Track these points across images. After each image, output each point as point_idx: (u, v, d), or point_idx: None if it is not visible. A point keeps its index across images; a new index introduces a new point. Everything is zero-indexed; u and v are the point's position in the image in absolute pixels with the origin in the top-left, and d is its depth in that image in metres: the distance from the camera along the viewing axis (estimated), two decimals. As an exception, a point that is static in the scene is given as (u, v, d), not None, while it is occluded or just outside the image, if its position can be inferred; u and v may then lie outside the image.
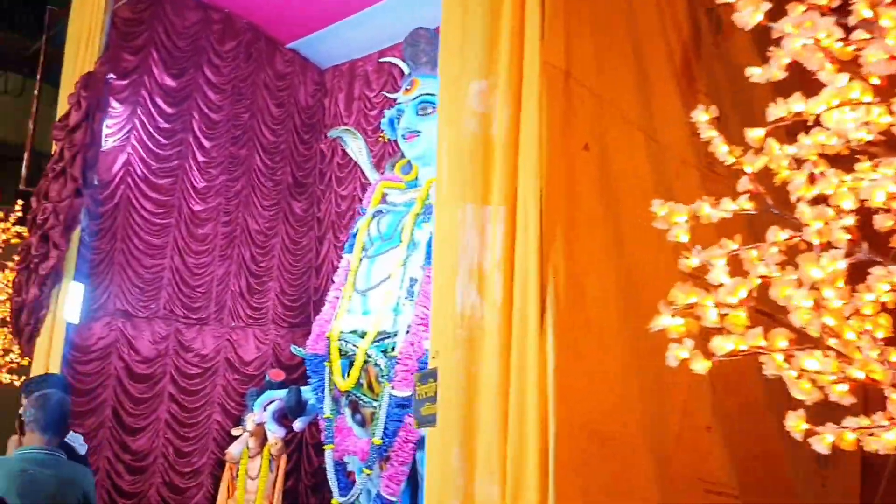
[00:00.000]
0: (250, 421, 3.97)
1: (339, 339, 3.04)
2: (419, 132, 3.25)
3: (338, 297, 3.25)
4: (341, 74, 5.29)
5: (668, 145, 2.00)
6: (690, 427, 1.74)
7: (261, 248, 4.83)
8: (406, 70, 3.61)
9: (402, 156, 3.67)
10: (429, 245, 2.93)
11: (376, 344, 2.91)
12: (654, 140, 2.00)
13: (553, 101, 1.78)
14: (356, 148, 3.75)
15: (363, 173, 4.80)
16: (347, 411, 3.07)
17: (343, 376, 2.98)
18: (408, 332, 2.82)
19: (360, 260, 3.19)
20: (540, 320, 1.60)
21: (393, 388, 2.78)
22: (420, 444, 2.70)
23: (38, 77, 4.64)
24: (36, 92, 4.76)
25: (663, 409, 1.72)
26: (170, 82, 4.40)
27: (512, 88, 1.86)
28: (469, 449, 1.64)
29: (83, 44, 3.77)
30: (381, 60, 3.86)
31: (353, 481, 2.98)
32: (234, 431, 4.14)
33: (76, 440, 2.37)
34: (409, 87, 3.37)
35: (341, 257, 4.89)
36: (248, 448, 4.01)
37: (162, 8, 4.36)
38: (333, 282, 3.42)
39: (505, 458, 1.59)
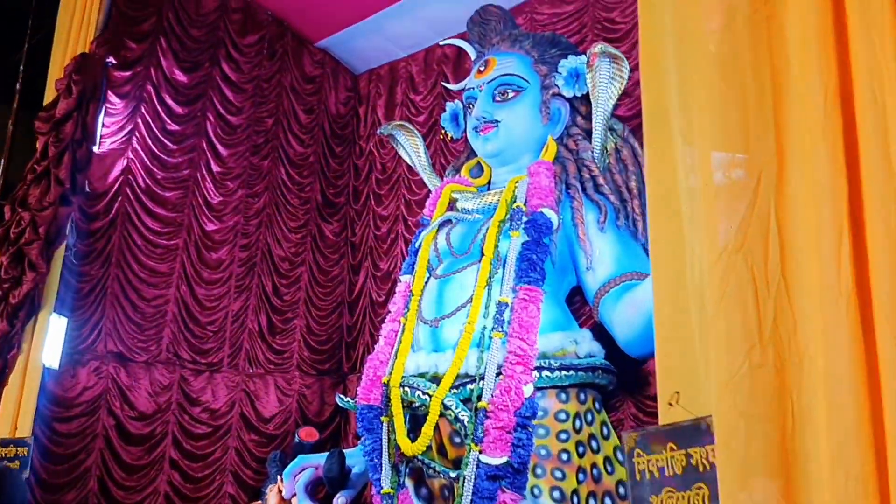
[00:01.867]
0: (273, 495, 3.24)
1: (402, 386, 2.36)
2: (497, 122, 2.65)
3: (395, 332, 2.59)
4: (379, 78, 4.76)
5: None
6: None
7: (285, 277, 4.20)
8: (473, 54, 3.05)
9: (469, 157, 3.08)
10: (521, 259, 2.30)
11: (455, 391, 2.23)
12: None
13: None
14: (412, 147, 3.14)
15: (409, 185, 4.25)
16: (409, 483, 2.38)
17: (408, 435, 2.31)
18: (499, 374, 2.16)
19: (426, 282, 2.55)
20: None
21: (482, 451, 2.10)
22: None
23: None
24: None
25: None
26: (181, 77, 3.85)
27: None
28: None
29: (76, 25, 3.23)
30: (441, 43, 3.28)
31: (421, 583, 2.28)
32: (252, 507, 3.44)
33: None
34: (482, 69, 2.78)
35: (380, 289, 4.35)
36: (269, 530, 3.31)
37: (173, -10, 3.84)
38: (388, 311, 2.76)
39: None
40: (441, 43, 3.26)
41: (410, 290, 2.58)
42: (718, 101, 1.22)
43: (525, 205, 2.43)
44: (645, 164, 1.35)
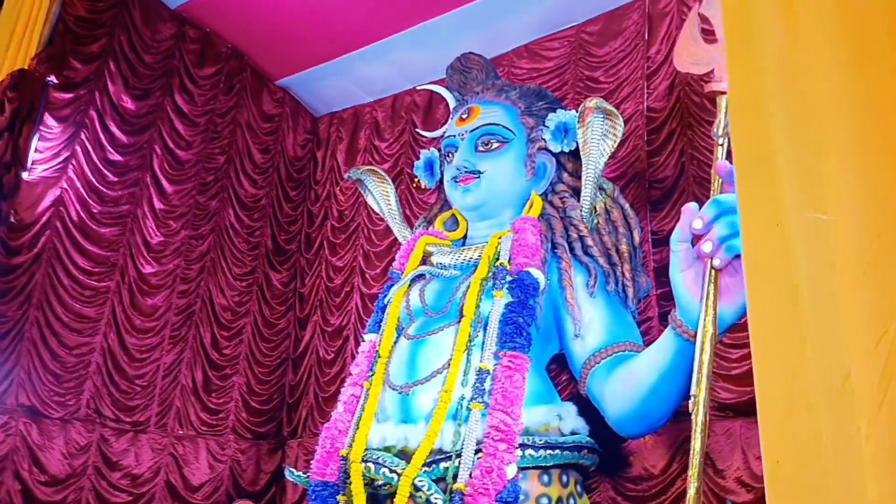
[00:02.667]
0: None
1: (365, 461, 2.12)
2: (479, 173, 2.51)
3: (357, 398, 2.35)
4: (341, 122, 4.63)
5: None
6: None
7: (226, 329, 3.90)
8: (452, 102, 2.94)
9: (442, 209, 2.94)
10: (504, 321, 2.12)
11: (427, 469, 2.00)
12: None
13: None
14: (382, 194, 2.96)
15: (369, 235, 4.06)
16: (367, 575, 2.12)
17: (370, 519, 2.06)
18: (478, 451, 1.95)
19: (396, 342, 2.34)
20: None
21: (458, 542, 1.87)
22: None
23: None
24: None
25: None
26: (129, 104, 3.60)
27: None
28: None
29: (17, 38, 2.98)
30: (419, 88, 3.16)
31: None
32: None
33: None
34: (465, 116, 2.66)
35: (328, 346, 4.09)
36: None
37: (128, 12, 3.61)
38: (347, 374, 2.55)
39: None
40: (418, 88, 3.13)
41: (377, 351, 2.37)
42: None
43: (510, 263, 2.27)
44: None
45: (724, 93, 1.64)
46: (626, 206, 2.46)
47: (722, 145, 1.59)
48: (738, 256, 1.39)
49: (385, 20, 3.91)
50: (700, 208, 1.43)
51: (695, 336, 1.54)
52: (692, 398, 1.40)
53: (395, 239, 3.90)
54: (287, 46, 4.22)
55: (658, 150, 2.92)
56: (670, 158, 2.85)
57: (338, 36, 4.08)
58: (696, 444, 1.33)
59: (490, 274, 2.27)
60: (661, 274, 2.57)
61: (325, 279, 4.21)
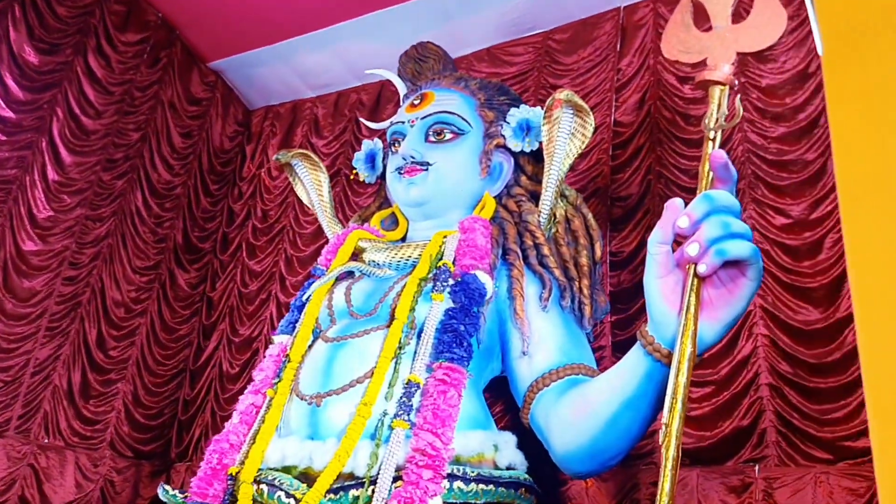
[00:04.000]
0: None
1: (258, 482, 1.79)
2: (428, 164, 2.28)
3: (257, 407, 2.02)
4: (277, 116, 4.34)
5: None
6: None
7: (117, 328, 3.47)
8: (403, 90, 2.72)
9: (381, 207, 2.69)
10: (443, 328, 1.85)
11: (333, 497, 1.68)
12: None
13: None
14: (313, 183, 2.68)
15: (294, 239, 3.74)
16: None
17: (258, 555, 1.71)
18: (398, 478, 1.65)
19: (310, 346, 2.04)
20: None
21: (367, 588, 1.55)
22: None
23: None
24: None
25: None
26: (32, 57, 3.20)
27: None
28: None
29: None
30: (368, 72, 2.92)
31: None
32: None
33: None
34: (417, 102, 2.44)
35: (234, 359, 3.71)
36: None
37: (44, -45, 3.25)
38: (248, 382, 2.22)
39: None
40: (367, 72, 2.87)
41: (286, 355, 2.06)
42: None
43: (454, 264, 2.02)
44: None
45: (718, 83, 1.48)
46: (589, 216, 2.26)
47: (713, 140, 1.42)
48: (727, 263, 1.18)
49: (334, 5, 3.67)
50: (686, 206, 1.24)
51: (668, 356, 1.35)
52: (663, 428, 1.19)
53: (324, 243, 3.63)
54: (224, 24, 3.92)
55: (623, 165, 2.75)
56: (636, 175, 2.68)
57: (281, 18, 3.81)
58: (666, 483, 1.13)
59: (430, 275, 2.02)
60: (619, 300, 2.36)
61: (238, 284, 3.86)
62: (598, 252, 2.20)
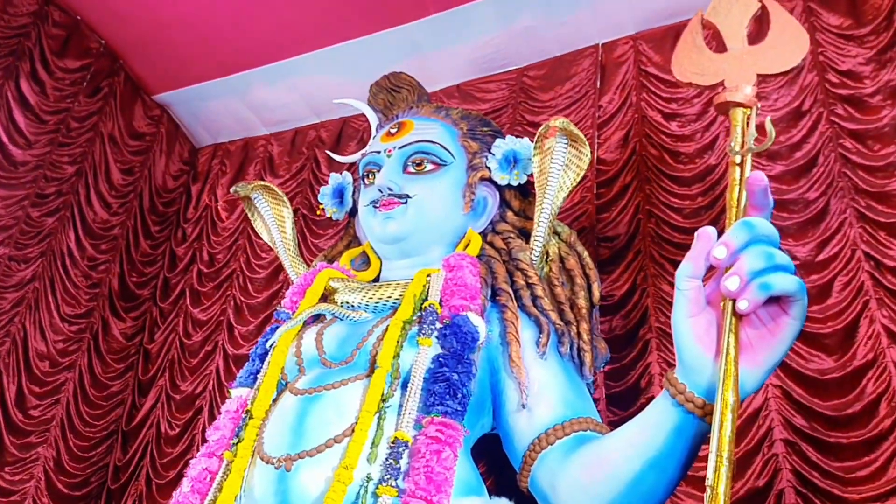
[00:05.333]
0: None
1: (215, 563, 1.53)
2: (408, 197, 2.11)
3: (212, 473, 1.77)
4: (227, 154, 4.14)
5: None
6: None
7: (40, 383, 3.13)
8: (374, 122, 2.57)
9: (350, 245, 2.50)
10: (433, 378, 1.65)
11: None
12: None
13: None
14: (275, 219, 2.49)
15: (245, 284, 3.50)
16: None
17: None
18: (383, 556, 1.42)
19: (276, 400, 1.81)
20: None
21: None
22: None
23: None
24: None
25: None
26: (-45, 79, 2.94)
27: None
28: None
29: None
30: (337, 101, 2.76)
31: None
32: None
33: None
34: (394, 131, 2.29)
35: (174, 420, 3.41)
36: None
37: (-24, -30, 3.03)
38: (204, 441, 1.96)
39: None
40: (336, 102, 2.72)
41: (247, 410, 1.82)
42: None
43: (441, 305, 1.83)
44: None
45: (740, 105, 1.38)
46: (585, 254, 2.12)
47: (740, 164, 1.30)
48: (769, 300, 1.07)
49: (293, 36, 3.53)
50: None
51: (703, 407, 1.19)
52: (709, 491, 1.03)
53: (280, 289, 3.43)
54: (172, 55, 3.75)
55: (609, 204, 2.67)
56: (623, 214, 2.58)
57: (234, 49, 3.66)
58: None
59: (415, 317, 1.82)
60: (612, 348, 2.21)
61: (181, 334, 3.61)
62: (597, 293, 2.06)
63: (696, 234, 1.15)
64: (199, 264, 3.77)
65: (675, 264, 2.44)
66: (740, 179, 1.22)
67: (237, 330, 3.41)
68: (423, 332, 1.74)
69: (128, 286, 3.68)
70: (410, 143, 2.19)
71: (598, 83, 3.02)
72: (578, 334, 1.94)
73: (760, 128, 1.32)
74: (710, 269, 1.13)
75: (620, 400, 2.31)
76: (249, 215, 2.52)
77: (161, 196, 3.96)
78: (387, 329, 1.78)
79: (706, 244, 1.11)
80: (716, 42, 1.47)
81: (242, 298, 3.50)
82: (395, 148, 2.21)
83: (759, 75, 1.40)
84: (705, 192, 2.53)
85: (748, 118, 1.35)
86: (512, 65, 3.34)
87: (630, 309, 2.45)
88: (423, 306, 1.84)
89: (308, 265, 2.46)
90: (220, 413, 1.92)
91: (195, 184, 4.16)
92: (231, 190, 2.47)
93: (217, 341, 3.45)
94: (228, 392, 1.95)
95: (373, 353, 1.76)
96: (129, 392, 3.55)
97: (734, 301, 1.07)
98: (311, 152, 3.77)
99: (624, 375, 2.33)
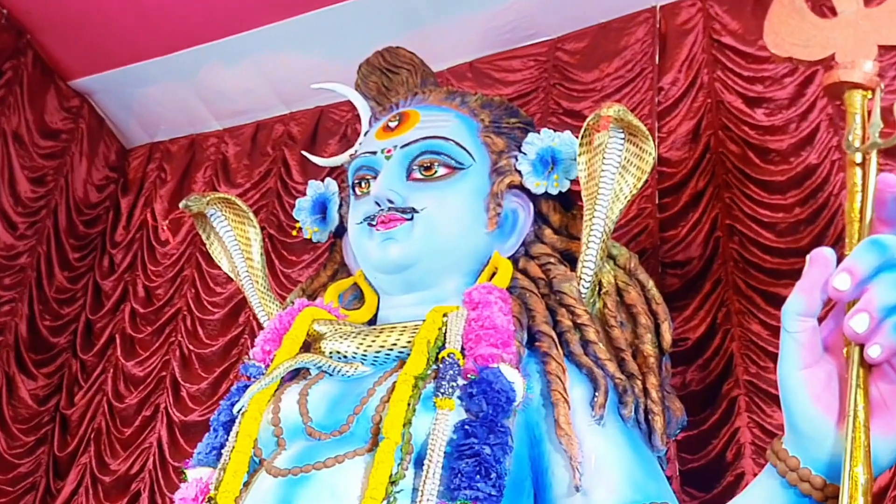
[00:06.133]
0: None
1: None
2: (413, 211, 2.14)
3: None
4: (167, 156, 4.26)
5: None
6: None
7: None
8: (366, 114, 2.61)
9: (336, 276, 2.53)
10: (458, 452, 1.66)
11: None
12: None
13: None
14: (239, 241, 2.54)
15: (195, 327, 3.54)
16: None
17: None
18: None
19: (247, 483, 1.83)
20: None
21: None
22: None
23: None
24: None
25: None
26: None
27: None
28: None
29: None
30: (315, 86, 2.81)
31: None
32: None
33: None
34: (393, 124, 2.32)
35: (98, 488, 3.46)
36: None
37: None
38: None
39: None
40: (313, 86, 2.77)
41: (210, 498, 1.84)
42: None
43: (463, 354, 1.85)
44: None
45: (859, 86, 1.40)
46: (650, 284, 2.16)
47: (861, 164, 1.32)
48: None
49: (255, 3, 3.60)
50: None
51: (822, 488, 1.19)
52: None
53: (239, 336, 3.47)
54: (95, 30, 3.82)
55: (675, 218, 2.72)
56: (696, 232, 2.63)
57: (176, 22, 3.73)
58: None
59: (430, 371, 1.85)
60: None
61: (109, 396, 3.68)
62: (668, 336, 2.08)
63: (808, 257, 1.15)
64: (133, 302, 3.83)
65: (767, 297, 2.48)
66: (863, 184, 1.23)
67: (185, 389, 3.46)
68: (442, 390, 1.76)
69: (39, 332, 3.75)
70: (416, 141, 2.21)
71: (657, 58, 3.06)
72: (645, 391, 1.95)
73: (886, 114, 1.33)
74: (828, 304, 1.14)
75: (700, 478, 2.30)
76: (204, 237, 2.56)
77: (82, 213, 4.04)
78: (393, 387, 1.80)
79: (822, 271, 1.12)
80: (821, 4, 1.49)
81: (191, 347, 3.55)
82: (395, 147, 2.23)
83: (880, 47, 1.42)
84: (804, 202, 2.54)
85: (870, 103, 1.36)
86: (542, 35, 3.40)
87: (709, 357, 2.45)
88: (439, 356, 1.86)
89: (282, 303, 2.48)
90: (168, 501, 1.94)
91: (126, 196, 4.21)
92: (181, 205, 2.50)
93: (158, 404, 3.51)
94: (183, 473, 1.97)
95: (376, 420, 1.78)
96: (41, 473, 3.61)
97: (862, 346, 1.07)
98: (279, 153, 3.83)
99: (704, 445, 2.34)
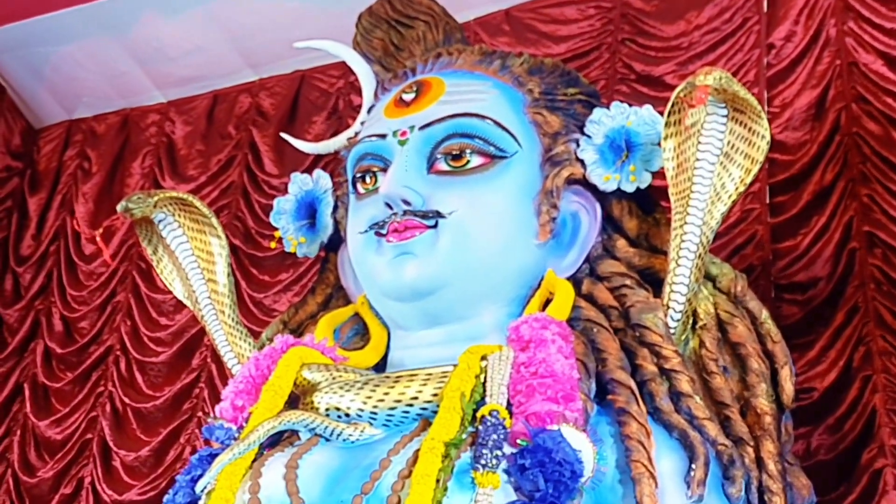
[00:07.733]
0: None
1: None
2: (437, 216, 2.18)
3: None
4: (93, 138, 4.35)
5: None
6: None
7: None
8: (370, 83, 2.66)
9: (329, 304, 2.59)
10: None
11: None
12: None
13: None
14: (197, 257, 2.58)
15: (132, 371, 3.59)
16: None
17: None
18: None
19: None
20: None
21: None
22: None
23: None
24: None
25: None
26: None
27: None
28: None
29: None
30: (298, 45, 2.87)
31: None
32: None
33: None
34: (409, 96, 2.37)
35: None
36: None
37: None
38: None
39: None
40: (297, 45, 2.82)
41: None
42: None
43: (510, 412, 1.89)
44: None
45: None
46: (764, 314, 2.19)
47: None
48: None
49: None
50: None
51: None
52: None
53: (192, 384, 3.52)
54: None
55: (794, 223, 2.76)
56: (823, 243, 2.67)
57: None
58: None
59: (465, 434, 1.89)
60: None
61: (16, 466, 3.74)
62: (788, 387, 2.13)
63: None
64: (48, 339, 3.91)
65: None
66: None
67: (118, 457, 3.52)
68: (483, 462, 1.81)
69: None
70: (441, 120, 2.27)
71: (766, 4, 3.09)
72: (759, 462, 2.01)
73: None
74: None
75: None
76: (148, 251, 2.62)
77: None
78: (416, 457, 1.84)
79: None
80: None
81: (126, 399, 3.61)
82: (412, 128, 2.29)
83: None
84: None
85: None
86: (606, -26, 3.45)
87: (843, 414, 2.48)
88: (477, 415, 1.90)
89: (255, 340, 2.54)
90: None
91: (35, 193, 4.31)
92: (119, 208, 2.54)
93: (81, 478, 3.57)
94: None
95: (393, 501, 1.81)
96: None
97: None
98: (245, 134, 3.91)
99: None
